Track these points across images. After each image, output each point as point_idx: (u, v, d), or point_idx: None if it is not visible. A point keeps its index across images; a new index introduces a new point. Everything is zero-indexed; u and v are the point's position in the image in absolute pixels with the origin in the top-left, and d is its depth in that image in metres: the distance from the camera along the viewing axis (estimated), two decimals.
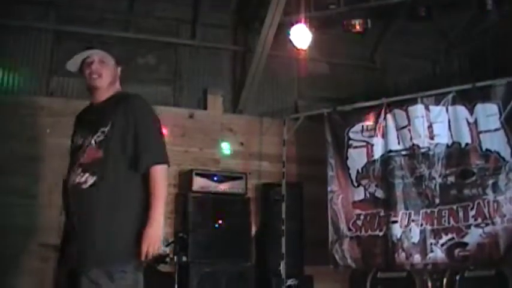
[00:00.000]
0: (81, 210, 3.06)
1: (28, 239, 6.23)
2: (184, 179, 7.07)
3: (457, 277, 6.05)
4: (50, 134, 6.57)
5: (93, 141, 3.10)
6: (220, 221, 6.80)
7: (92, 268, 2.95)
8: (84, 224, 3.04)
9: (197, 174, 6.93)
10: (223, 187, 7.04)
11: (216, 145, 7.57)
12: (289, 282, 6.92)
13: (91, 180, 3.05)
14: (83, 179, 3.06)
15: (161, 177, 3.11)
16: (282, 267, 6.94)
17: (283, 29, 7.04)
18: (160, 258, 6.24)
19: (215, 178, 7.03)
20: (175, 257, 6.10)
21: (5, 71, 6.95)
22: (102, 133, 3.10)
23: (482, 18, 7.36)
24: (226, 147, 7.58)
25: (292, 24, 6.97)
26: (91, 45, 3.42)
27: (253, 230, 7.20)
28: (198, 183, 6.89)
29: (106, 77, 3.28)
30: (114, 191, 3.07)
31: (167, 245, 6.34)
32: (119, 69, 3.44)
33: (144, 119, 3.20)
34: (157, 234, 3.03)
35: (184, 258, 6.29)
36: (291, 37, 6.97)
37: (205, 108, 7.71)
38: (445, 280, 6.16)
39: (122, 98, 3.27)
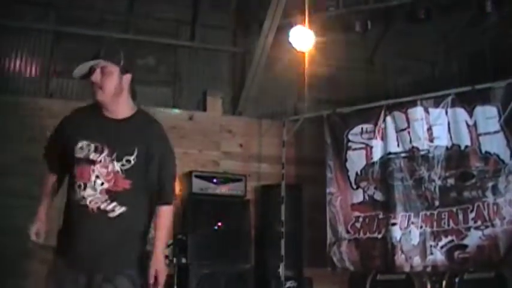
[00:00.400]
0: (103, 236, 3.03)
1: (28, 240, 6.21)
2: (183, 181, 7.07)
3: (457, 279, 6.05)
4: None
5: (118, 169, 3.04)
6: (219, 223, 6.80)
7: (115, 275, 3.01)
8: (101, 249, 3.03)
9: (196, 176, 6.94)
10: (223, 189, 7.04)
11: (215, 147, 7.57)
12: (289, 284, 6.92)
13: (119, 210, 3.03)
14: (110, 207, 3.02)
15: (171, 215, 3.24)
16: (281, 269, 6.94)
17: (282, 31, 7.04)
18: None
19: (214, 180, 7.03)
20: (174, 259, 6.10)
21: (4, 71, 6.94)
22: (128, 162, 3.05)
23: (482, 20, 7.36)
24: None
25: (292, 26, 6.97)
26: (98, 51, 3.14)
27: (253, 231, 7.20)
28: (198, 185, 6.90)
29: (108, 89, 3.07)
30: (136, 221, 3.13)
31: (167, 247, 6.34)
32: (127, 76, 3.19)
33: (167, 152, 3.22)
34: (164, 265, 3.13)
35: (183, 260, 6.30)
36: (291, 39, 6.98)
37: (204, 109, 7.71)
38: (444, 282, 6.16)
39: (145, 123, 3.20)
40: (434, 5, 7.08)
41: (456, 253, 6.05)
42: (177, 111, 7.55)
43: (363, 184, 6.76)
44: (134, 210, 3.07)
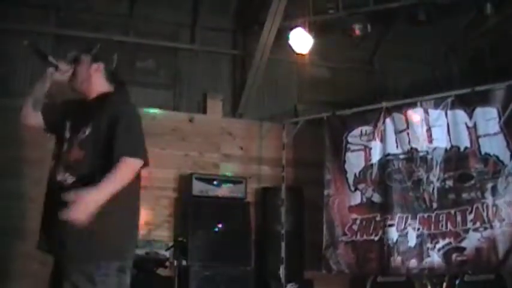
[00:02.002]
0: (62, 207, 2.88)
1: (26, 242, 6.23)
2: (184, 183, 7.08)
3: (457, 281, 6.05)
4: (49, 137, 6.56)
5: (75, 142, 3.15)
6: (219, 225, 6.81)
7: (73, 271, 2.96)
8: (64, 223, 2.88)
9: (197, 179, 6.95)
10: (223, 191, 7.06)
11: (215, 149, 7.58)
12: (289, 286, 6.92)
13: (70, 180, 3.08)
14: (65, 176, 3.10)
15: (126, 167, 3.01)
16: (282, 271, 6.94)
17: (282, 33, 7.06)
18: (160, 263, 6.27)
19: (215, 182, 7.04)
20: (175, 261, 6.12)
21: (4, 74, 6.96)
22: (83, 134, 3.15)
23: (481, 22, 7.37)
24: None
25: (292, 29, 6.99)
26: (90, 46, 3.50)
27: (253, 234, 7.20)
28: (198, 187, 6.91)
29: (78, 76, 3.38)
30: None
31: (167, 249, 6.35)
32: (98, 65, 3.42)
33: (122, 115, 3.17)
34: (92, 200, 2.87)
35: (184, 262, 6.31)
36: (291, 41, 6.99)
37: (204, 112, 7.72)
38: (444, 284, 6.15)
39: (108, 99, 3.33)
40: (434, 7, 7.08)
41: (453, 255, 6.02)
42: (177, 113, 7.56)
43: (361, 186, 6.75)
44: (84, 179, 3.01)
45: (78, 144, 3.13)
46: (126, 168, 3.01)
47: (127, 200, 3.08)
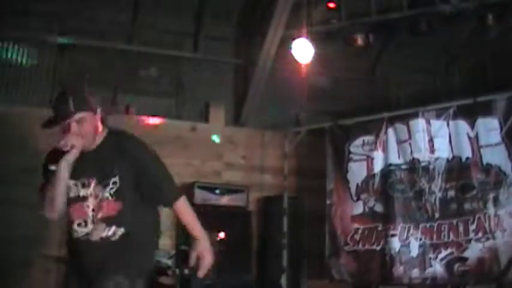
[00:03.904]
0: (106, 255, 3.11)
1: (29, 250, 6.24)
2: (186, 192, 7.08)
3: None
4: (52, 145, 6.58)
5: (107, 194, 3.13)
6: (221, 234, 6.81)
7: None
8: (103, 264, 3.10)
9: (199, 187, 6.96)
10: (225, 200, 7.07)
11: (217, 158, 7.60)
12: None
13: (119, 232, 3.13)
14: (111, 232, 3.13)
15: (187, 206, 3.33)
16: (283, 280, 6.94)
17: (285, 43, 7.08)
18: (162, 271, 6.26)
19: (217, 191, 7.05)
20: (176, 270, 6.11)
21: (8, 82, 6.99)
22: (114, 184, 3.13)
23: (483, 32, 7.39)
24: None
25: (294, 38, 7.01)
26: (65, 106, 3.14)
27: (255, 243, 7.20)
28: (200, 196, 6.92)
29: (87, 135, 3.18)
30: (138, 235, 3.20)
31: (169, 258, 6.34)
32: (99, 111, 3.26)
33: (147, 157, 3.27)
34: (208, 247, 3.25)
35: (186, 271, 6.29)
36: (293, 51, 7.02)
37: (207, 120, 7.75)
38: None
39: (116, 142, 3.27)
40: (436, 17, 7.10)
41: (456, 266, 6.02)
42: (179, 122, 7.58)
43: (364, 196, 6.76)
44: (133, 226, 3.15)
45: (111, 196, 3.12)
46: (187, 206, 3.33)
47: (157, 226, 3.37)
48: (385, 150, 6.70)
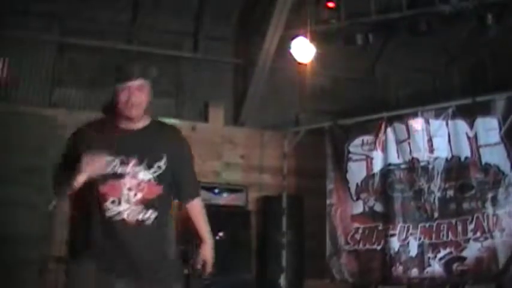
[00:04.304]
0: (145, 245, 3.05)
1: (29, 249, 6.25)
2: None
3: None
4: (51, 144, 6.60)
5: (150, 176, 3.04)
6: (221, 234, 6.81)
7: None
8: (145, 256, 3.05)
9: None
10: (224, 200, 7.07)
11: (217, 157, 7.60)
12: None
13: (153, 216, 3.04)
14: (147, 215, 3.03)
15: (203, 207, 3.37)
16: (282, 279, 6.95)
17: (284, 43, 7.09)
18: None
19: (216, 190, 7.06)
20: None
21: (8, 82, 7.00)
22: (159, 168, 3.07)
23: (482, 32, 7.39)
24: None
25: (294, 38, 7.02)
26: (132, 64, 3.23)
27: (254, 242, 7.21)
28: None
29: (143, 106, 3.12)
30: (167, 223, 3.18)
31: None
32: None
33: (188, 151, 3.29)
34: (212, 253, 3.28)
35: (185, 271, 6.31)
36: (292, 51, 7.03)
37: (206, 120, 7.75)
38: None
39: (164, 129, 3.27)
40: (435, 17, 7.11)
41: (454, 265, 6.04)
42: (179, 121, 7.56)
43: (363, 195, 6.77)
44: (164, 214, 3.11)
45: (154, 179, 3.06)
46: (203, 208, 3.36)
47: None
48: (384, 150, 6.71)
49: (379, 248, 6.55)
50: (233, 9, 7.99)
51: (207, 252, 3.27)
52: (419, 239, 6.30)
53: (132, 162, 3.03)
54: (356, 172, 6.86)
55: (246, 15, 7.98)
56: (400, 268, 6.31)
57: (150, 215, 3.02)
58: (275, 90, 7.95)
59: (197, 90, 7.84)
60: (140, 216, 3.01)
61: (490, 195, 6.01)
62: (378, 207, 6.66)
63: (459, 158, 6.29)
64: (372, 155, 6.78)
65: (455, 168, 6.28)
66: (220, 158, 7.63)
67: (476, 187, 6.11)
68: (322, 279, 6.89)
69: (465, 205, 6.14)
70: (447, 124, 6.43)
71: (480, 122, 6.25)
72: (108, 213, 2.97)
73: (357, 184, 6.82)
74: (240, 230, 7.01)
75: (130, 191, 3.00)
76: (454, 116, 6.42)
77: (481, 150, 6.21)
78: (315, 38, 7.03)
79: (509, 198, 5.95)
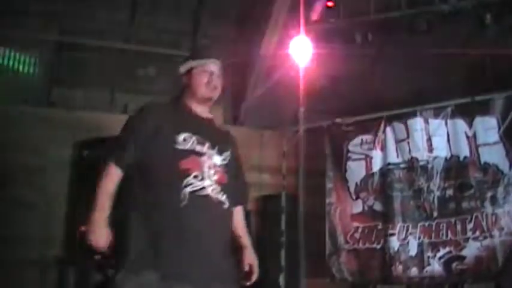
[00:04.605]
0: (222, 232, 2.92)
1: (28, 249, 6.24)
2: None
3: None
4: (51, 145, 6.60)
5: (221, 162, 2.92)
6: None
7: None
8: (217, 246, 2.88)
9: None
10: None
11: None
12: None
13: (227, 202, 2.90)
14: (224, 198, 2.88)
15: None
16: (282, 279, 6.94)
17: (283, 42, 7.08)
18: None
19: None
20: None
21: (6, 81, 6.99)
22: (225, 159, 2.95)
23: (481, 31, 7.39)
24: None
25: (293, 37, 7.01)
26: (208, 45, 3.21)
27: (253, 242, 7.19)
28: None
29: (219, 92, 3.06)
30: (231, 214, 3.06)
31: None
32: None
33: (240, 161, 3.20)
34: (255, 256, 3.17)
35: None
36: (291, 50, 7.02)
37: None
38: None
39: (224, 128, 3.28)
40: (435, 16, 7.10)
41: (454, 264, 6.05)
42: None
43: (363, 195, 6.78)
44: (231, 203, 2.95)
45: (224, 166, 2.93)
46: (243, 214, 3.22)
47: None
48: (383, 149, 6.72)
49: (378, 247, 6.56)
50: (232, 8, 7.98)
51: (252, 255, 3.14)
52: (419, 238, 6.31)
53: (207, 144, 2.90)
54: (355, 171, 6.87)
55: (244, 15, 7.97)
56: (400, 267, 6.31)
57: (226, 199, 2.88)
58: (274, 89, 7.93)
59: None
60: (220, 197, 2.85)
61: (489, 194, 6.02)
62: (377, 207, 6.67)
63: (458, 158, 6.30)
64: (371, 154, 6.79)
65: (455, 168, 6.29)
66: None
67: (475, 186, 6.12)
68: (321, 278, 6.89)
69: (464, 204, 6.15)
70: (446, 123, 6.44)
71: (479, 121, 6.27)
72: (191, 188, 2.77)
73: (356, 183, 6.83)
74: None
75: (210, 170, 2.86)
76: (453, 115, 6.43)
77: (480, 149, 6.22)
78: (314, 37, 7.02)
79: (508, 198, 5.96)
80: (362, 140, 6.89)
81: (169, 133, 2.86)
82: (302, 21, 6.94)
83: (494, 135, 6.15)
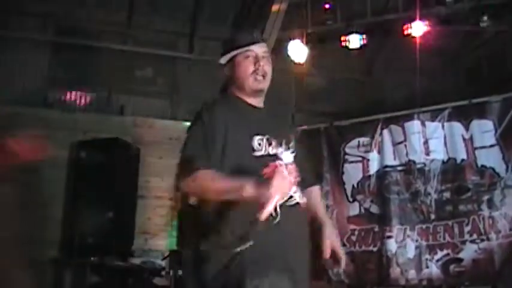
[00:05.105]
0: (303, 234, 2.68)
1: (23, 251, 6.21)
2: (180, 193, 7.07)
3: None
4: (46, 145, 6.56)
5: (291, 158, 2.50)
6: None
7: None
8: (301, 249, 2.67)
9: None
10: None
11: None
12: None
13: (303, 199, 2.65)
14: (303, 199, 2.66)
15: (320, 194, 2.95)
16: None
17: (281, 44, 7.07)
18: (156, 272, 6.26)
19: None
20: (170, 271, 6.10)
21: (3, 81, 6.96)
22: (293, 151, 2.56)
23: (478, 34, 7.41)
24: None
25: (290, 39, 7.01)
26: (252, 31, 2.83)
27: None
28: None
29: (269, 78, 2.77)
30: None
31: (163, 259, 6.34)
32: None
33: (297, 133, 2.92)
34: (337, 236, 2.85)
35: (179, 272, 6.28)
36: (289, 52, 7.02)
37: None
38: None
39: (279, 109, 2.93)
40: (431, 18, 7.10)
41: (451, 267, 6.06)
42: (174, 122, 7.55)
43: (359, 197, 6.77)
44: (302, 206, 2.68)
45: (293, 161, 2.50)
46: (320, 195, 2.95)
47: None
48: (380, 151, 6.71)
49: (375, 249, 6.55)
50: (229, 9, 7.97)
51: (333, 235, 2.77)
52: (417, 240, 6.30)
53: (274, 142, 2.62)
54: (352, 174, 6.85)
55: (241, 16, 7.96)
56: (398, 270, 6.31)
57: (303, 198, 2.64)
58: (271, 91, 7.90)
59: (192, 90, 7.81)
60: (300, 199, 2.61)
61: (485, 197, 6.03)
62: (374, 209, 6.66)
63: (455, 160, 6.30)
64: (368, 157, 6.78)
65: (452, 170, 6.30)
66: None
67: (472, 189, 6.13)
68: (318, 281, 6.87)
69: (461, 207, 6.15)
70: (443, 126, 6.44)
71: (476, 124, 6.27)
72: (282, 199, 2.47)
73: (353, 186, 6.81)
74: None
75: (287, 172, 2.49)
76: (450, 118, 6.43)
77: (476, 152, 6.23)
78: (311, 39, 7.02)
79: (505, 200, 5.97)
80: (359, 142, 6.87)
81: (241, 138, 2.58)
82: (299, 23, 6.97)
83: (491, 138, 6.15)
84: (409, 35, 7.12)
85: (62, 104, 7.14)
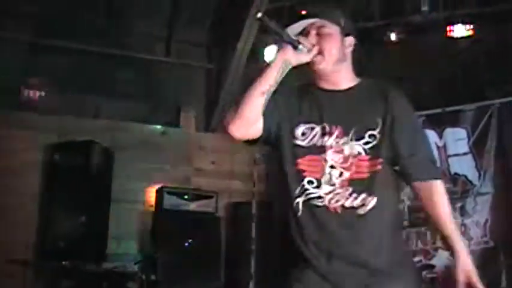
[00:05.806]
0: (357, 242, 2.34)
1: None
2: (154, 197, 7.03)
3: None
4: (21, 147, 6.52)
5: (361, 149, 2.36)
6: (190, 240, 6.76)
7: None
8: (357, 260, 2.33)
9: (168, 193, 6.90)
10: (194, 206, 7.01)
11: (187, 163, 7.56)
12: None
13: (370, 202, 2.33)
14: (358, 201, 2.33)
15: (444, 194, 2.41)
16: (251, 287, 6.91)
17: (258, 48, 7.09)
18: (129, 277, 6.21)
19: (186, 196, 7.00)
20: (143, 276, 6.06)
21: None
22: (373, 138, 2.37)
23: (453, 43, 7.48)
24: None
25: (268, 44, 7.02)
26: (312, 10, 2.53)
27: (223, 249, 7.17)
28: (169, 201, 6.86)
29: (329, 54, 2.45)
30: (390, 212, 2.42)
31: (136, 263, 6.30)
32: (350, 40, 2.55)
33: (413, 115, 2.55)
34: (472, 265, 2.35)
35: (152, 277, 6.24)
36: (265, 57, 7.03)
37: (178, 125, 7.70)
38: None
39: (377, 88, 2.52)
40: (406, 27, 7.17)
41: (424, 273, 6.10)
42: (150, 126, 7.53)
43: None
44: (385, 198, 2.36)
45: (365, 153, 2.36)
46: (445, 197, 2.42)
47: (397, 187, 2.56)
48: None
49: None
50: (206, 13, 7.97)
51: (467, 264, 2.33)
52: None
53: (336, 132, 2.39)
54: None
55: (219, 20, 7.96)
56: None
57: (364, 200, 2.32)
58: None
59: (169, 94, 7.79)
60: (348, 202, 2.32)
61: (458, 204, 6.09)
62: None
63: None
64: None
65: None
66: (190, 163, 7.58)
67: None
68: None
69: None
70: None
71: (449, 132, 6.35)
72: (303, 198, 2.39)
73: None
74: (209, 237, 6.95)
75: (333, 169, 2.35)
76: (423, 125, 6.46)
77: (449, 160, 6.30)
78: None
79: (477, 208, 6.05)
80: None
81: (287, 124, 2.48)
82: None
83: (464, 146, 6.23)
84: (386, 42, 7.20)
85: (36, 106, 7.06)
